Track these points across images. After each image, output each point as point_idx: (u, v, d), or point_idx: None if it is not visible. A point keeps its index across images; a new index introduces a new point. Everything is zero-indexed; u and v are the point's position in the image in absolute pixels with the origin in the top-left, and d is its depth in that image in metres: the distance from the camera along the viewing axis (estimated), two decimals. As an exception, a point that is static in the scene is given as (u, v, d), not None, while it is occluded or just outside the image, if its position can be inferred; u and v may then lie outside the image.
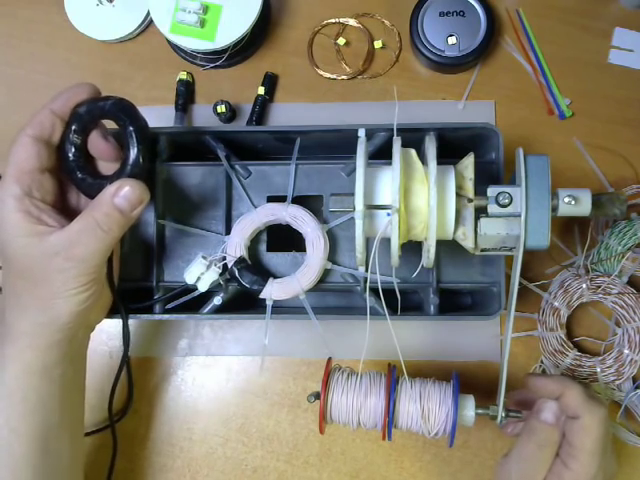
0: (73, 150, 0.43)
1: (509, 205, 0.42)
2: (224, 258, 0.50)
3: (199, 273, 0.49)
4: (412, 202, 0.42)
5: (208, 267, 0.49)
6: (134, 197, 0.42)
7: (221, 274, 0.49)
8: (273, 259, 0.52)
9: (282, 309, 0.52)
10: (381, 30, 0.62)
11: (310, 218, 0.50)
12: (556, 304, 0.55)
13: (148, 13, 0.60)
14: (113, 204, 0.41)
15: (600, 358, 0.54)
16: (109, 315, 0.50)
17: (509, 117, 0.60)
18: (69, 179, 0.44)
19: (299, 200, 0.51)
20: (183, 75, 0.61)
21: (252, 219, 0.50)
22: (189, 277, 0.49)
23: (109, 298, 0.49)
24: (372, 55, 0.61)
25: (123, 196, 0.42)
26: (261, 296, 0.49)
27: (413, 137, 0.46)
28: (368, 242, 0.44)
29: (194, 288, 0.49)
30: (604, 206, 0.44)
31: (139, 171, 0.42)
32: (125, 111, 0.42)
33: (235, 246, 0.50)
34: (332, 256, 0.51)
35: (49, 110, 0.43)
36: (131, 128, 0.42)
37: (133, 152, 0.42)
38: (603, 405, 0.44)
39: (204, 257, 0.49)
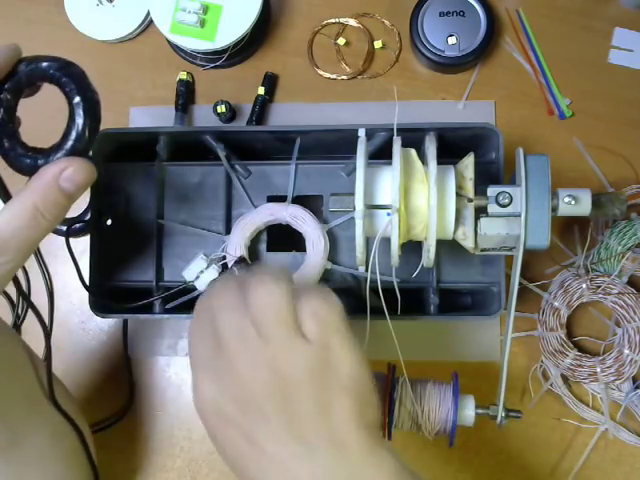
0: (2, 111, 0.36)
1: (509, 205, 0.42)
2: (224, 257, 0.50)
3: (198, 271, 0.49)
4: (412, 202, 0.42)
5: (208, 266, 0.49)
6: (82, 179, 0.35)
7: (221, 273, 0.49)
8: (273, 259, 0.52)
9: (282, 309, 0.52)
10: (381, 30, 0.61)
11: (310, 218, 0.50)
12: (556, 304, 0.55)
13: (148, 13, 0.60)
14: (58, 187, 0.34)
15: (600, 358, 0.54)
16: (108, 315, 0.50)
17: (509, 117, 0.59)
18: None
19: (299, 200, 0.51)
20: (183, 75, 0.60)
21: (252, 219, 0.50)
22: (188, 274, 0.49)
23: None
24: (372, 55, 0.61)
25: (69, 178, 0.34)
26: (261, 296, 0.49)
27: (413, 137, 0.46)
28: (368, 242, 0.44)
29: (193, 288, 0.49)
30: (604, 206, 0.44)
31: (83, 147, 0.36)
32: (73, 77, 0.36)
33: (235, 246, 0.50)
34: (332, 256, 0.51)
35: None
36: (78, 98, 0.36)
37: (78, 125, 0.35)
38: None
39: (204, 255, 0.49)
